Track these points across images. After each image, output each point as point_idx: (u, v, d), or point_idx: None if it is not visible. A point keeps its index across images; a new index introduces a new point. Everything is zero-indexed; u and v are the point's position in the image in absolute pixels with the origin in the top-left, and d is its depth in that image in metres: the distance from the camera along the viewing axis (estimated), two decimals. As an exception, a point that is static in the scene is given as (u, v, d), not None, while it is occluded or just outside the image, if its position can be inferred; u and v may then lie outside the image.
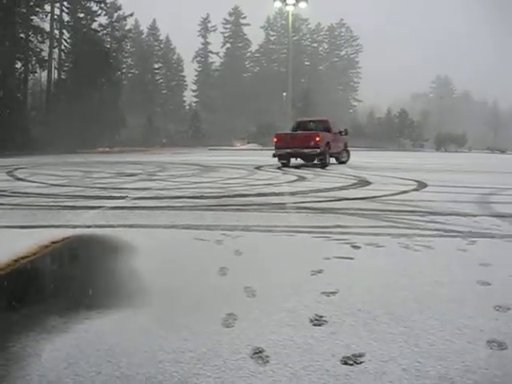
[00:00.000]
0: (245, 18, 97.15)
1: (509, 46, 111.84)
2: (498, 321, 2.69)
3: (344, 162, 21.48)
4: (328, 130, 20.02)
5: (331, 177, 13.15)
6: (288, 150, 18.73)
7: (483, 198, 8.29)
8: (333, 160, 20.28)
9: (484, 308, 2.88)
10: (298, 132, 20.35)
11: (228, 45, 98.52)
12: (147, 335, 2.46)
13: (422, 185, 10.65)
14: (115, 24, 71.67)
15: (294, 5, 35.35)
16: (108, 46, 64.49)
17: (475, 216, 6.28)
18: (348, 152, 22.47)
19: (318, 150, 18.07)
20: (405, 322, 2.64)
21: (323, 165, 18.32)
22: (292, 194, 8.65)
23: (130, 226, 5.26)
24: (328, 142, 18.88)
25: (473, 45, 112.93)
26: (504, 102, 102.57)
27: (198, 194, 8.20)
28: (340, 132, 21.58)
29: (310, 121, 22.03)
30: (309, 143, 18.18)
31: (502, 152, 70.98)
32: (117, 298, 3.01)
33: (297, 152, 18.72)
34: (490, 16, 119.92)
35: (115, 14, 71.91)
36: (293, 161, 19.41)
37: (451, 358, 2.23)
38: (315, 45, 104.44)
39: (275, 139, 19.60)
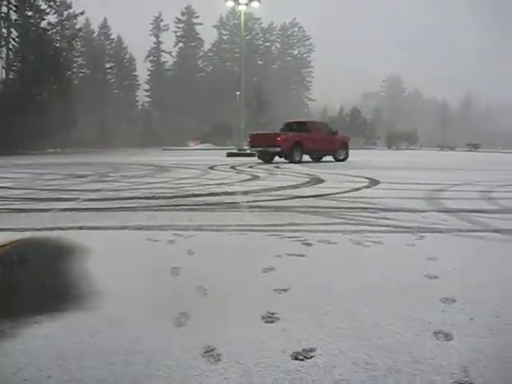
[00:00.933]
0: (197, 17, 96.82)
1: (458, 45, 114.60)
2: (444, 313, 2.76)
3: (341, 160, 23.32)
4: (308, 130, 22.27)
5: (285, 175, 13.24)
6: (259, 148, 21.80)
7: (432, 194, 8.48)
8: (330, 158, 23.44)
9: (431, 301, 2.95)
10: (266, 132, 23.81)
11: (181, 44, 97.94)
12: (98, 338, 2.43)
13: (373, 182, 10.82)
14: (65, 23, 70.29)
15: (246, 4, 35.29)
16: (58, 44, 63.18)
17: (424, 212, 6.42)
18: (346, 151, 24.07)
19: (279, 149, 20.66)
20: (355, 317, 2.69)
21: (291, 162, 20.69)
22: (245, 192, 8.66)
23: (81, 228, 5.17)
24: (298, 141, 21.18)
25: (424, 44, 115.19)
26: (453, 100, 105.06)
27: (151, 195, 8.13)
28: (333, 132, 23.73)
29: (295, 122, 24.57)
30: (272, 142, 20.84)
31: (452, 149, 72.79)
32: (67, 302, 2.96)
33: (265, 150, 21.42)
34: (441, 16, 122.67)
35: (65, 13, 70.53)
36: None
37: (399, 350, 2.28)
38: (268, 44, 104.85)
39: (249, 139, 23.00)
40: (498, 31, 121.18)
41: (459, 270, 3.67)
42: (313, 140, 22.06)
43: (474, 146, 70.95)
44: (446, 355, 2.24)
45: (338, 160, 23.43)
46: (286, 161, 21.60)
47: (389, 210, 6.55)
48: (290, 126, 23.66)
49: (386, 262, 3.90)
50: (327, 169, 16.25)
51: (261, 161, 21.90)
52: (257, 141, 22.21)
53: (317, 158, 23.97)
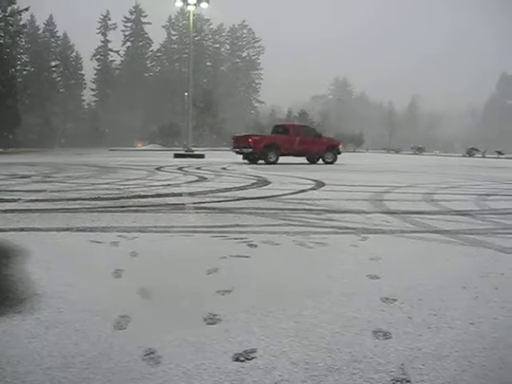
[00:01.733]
0: (146, 16, 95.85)
1: (405, 50, 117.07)
2: (384, 312, 2.81)
3: (330, 163, 24.21)
4: (287, 133, 24.06)
5: (232, 177, 13.24)
6: (237, 149, 23.64)
7: (377, 196, 8.63)
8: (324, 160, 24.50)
9: (372, 300, 3.00)
10: (243, 134, 25.53)
11: (129, 43, 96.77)
12: (36, 342, 2.37)
13: (319, 184, 10.94)
14: (9, 18, 68.37)
15: (195, 5, 35.11)
16: (1, 41, 61.44)
17: (368, 213, 6.53)
18: (335, 154, 24.89)
19: (250, 150, 22.43)
20: (296, 317, 2.70)
21: (267, 163, 22.24)
22: (191, 194, 8.62)
23: (22, 230, 5.04)
24: (273, 143, 22.99)
25: (372, 47, 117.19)
26: (398, 104, 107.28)
27: (95, 196, 7.99)
28: (317, 136, 24.95)
29: (280, 125, 26.89)
30: (246, 144, 22.76)
31: (397, 152, 74.29)
32: (4, 305, 2.87)
33: (241, 151, 23.36)
34: (391, 19, 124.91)
35: (9, 8, 68.55)
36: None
37: (339, 350, 2.31)
38: (217, 45, 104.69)
39: (232, 140, 25.21)
40: (444, 37, 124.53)
41: (400, 270, 3.74)
42: (291, 142, 23.33)
43: (419, 150, 72.56)
44: (384, 354, 2.28)
45: (326, 163, 24.29)
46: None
47: (334, 211, 6.64)
48: (275, 129, 25.81)
49: (328, 262, 3.95)
50: (274, 171, 16.33)
51: (246, 161, 23.54)
52: (236, 142, 24.09)
53: (311, 160, 24.89)
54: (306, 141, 23.93)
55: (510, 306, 2.97)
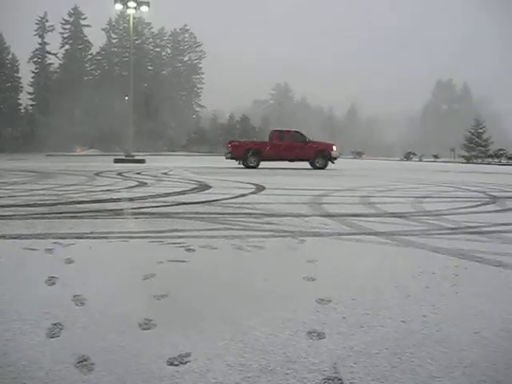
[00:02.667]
0: (85, 18, 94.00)
1: (345, 57, 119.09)
2: (318, 313, 2.86)
3: (320, 168, 24.79)
4: (271, 138, 25.92)
5: (172, 182, 13.17)
6: (228, 154, 25.21)
7: (315, 200, 8.76)
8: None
9: (307, 302, 3.05)
10: (229, 141, 27.45)
11: (67, 46, 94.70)
12: (-37, 352, 2.30)
13: (260, 188, 11.02)
14: None
15: (135, 8, 34.79)
16: None
17: (306, 216, 6.62)
18: (325, 158, 25.37)
19: (229, 155, 24.81)
20: (232, 320, 2.72)
21: (247, 167, 24.27)
22: (130, 199, 8.52)
23: (-49, 238, 4.87)
24: (254, 149, 24.88)
25: (311, 53, 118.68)
26: (339, 109, 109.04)
27: (31, 202, 7.79)
28: (304, 141, 25.59)
29: (272, 131, 27.86)
30: (228, 149, 25.32)
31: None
32: None
33: (227, 155, 25.34)
34: (332, 24, 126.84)
35: None
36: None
37: (274, 351, 2.34)
38: (158, 49, 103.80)
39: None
40: (383, 44, 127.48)
41: (336, 272, 3.81)
42: (275, 147, 24.93)
43: (358, 154, 73.90)
44: (317, 353, 2.32)
45: (315, 168, 24.97)
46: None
47: (273, 215, 6.70)
48: (270, 134, 27.18)
49: (265, 265, 3.99)
50: (215, 175, 16.32)
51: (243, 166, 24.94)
52: (227, 147, 26.01)
53: (313, 165, 25.36)
54: (292, 146, 24.92)
55: (440, 303, 3.07)
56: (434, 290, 3.38)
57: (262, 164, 25.15)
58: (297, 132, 26.71)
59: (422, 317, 2.83)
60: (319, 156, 25.33)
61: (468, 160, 56.94)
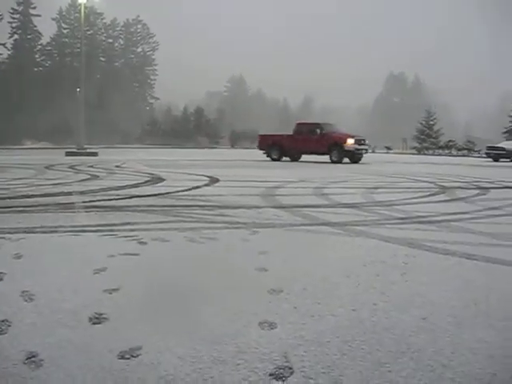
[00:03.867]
0: (34, 8, 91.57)
1: (303, 50, 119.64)
2: (270, 303, 2.88)
3: (336, 162, 22.86)
4: (294, 132, 25.35)
5: (125, 174, 13.01)
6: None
7: (269, 191, 8.80)
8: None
9: (259, 293, 3.06)
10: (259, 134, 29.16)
11: (16, 36, 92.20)
12: None
13: (213, 180, 10.99)
14: None
15: (86, -2, 34.17)
16: None
17: (260, 208, 6.65)
18: (339, 151, 23.00)
19: (258, 147, 26.68)
20: (185, 312, 2.72)
21: (272, 159, 24.76)
22: (82, 193, 8.37)
23: None
24: (275, 142, 25.33)
25: (272, 46, 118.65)
26: (292, 100, 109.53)
27: (-22, 196, 7.58)
28: (324, 133, 23.95)
29: (296, 123, 27.05)
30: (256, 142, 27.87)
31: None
32: None
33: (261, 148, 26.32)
34: (292, 18, 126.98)
35: None
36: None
37: (225, 342, 2.34)
38: (111, 40, 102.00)
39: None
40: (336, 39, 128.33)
41: (288, 262, 3.85)
42: (293, 141, 24.69)
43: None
44: (269, 343, 2.34)
45: (332, 161, 22.97)
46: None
47: (226, 207, 6.70)
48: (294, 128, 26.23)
49: (218, 257, 4.00)
50: (168, 168, 16.19)
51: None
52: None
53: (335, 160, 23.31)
54: (308, 139, 23.84)
55: (389, 292, 3.13)
56: (384, 278, 3.45)
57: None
58: (316, 123, 25.17)
59: (372, 305, 2.88)
60: (333, 149, 23.10)
61: (419, 151, 58.04)
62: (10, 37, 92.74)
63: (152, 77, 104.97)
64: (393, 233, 5.05)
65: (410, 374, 2.07)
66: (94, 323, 2.57)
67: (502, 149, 33.07)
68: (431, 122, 66.38)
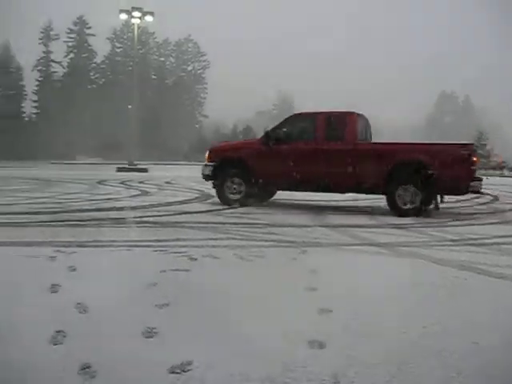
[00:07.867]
0: (90, 28, 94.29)
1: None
2: (319, 323, 2.88)
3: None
4: None
5: (175, 191, 13.17)
6: None
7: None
8: None
9: (308, 312, 3.07)
10: None
11: (72, 55, 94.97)
12: None
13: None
14: None
15: (140, 18, 34.97)
16: None
17: (308, 227, 6.64)
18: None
19: None
20: (235, 329, 2.75)
21: None
22: (133, 208, 8.54)
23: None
24: None
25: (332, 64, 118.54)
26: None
27: (34, 210, 7.81)
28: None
29: None
30: None
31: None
32: None
33: None
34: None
35: None
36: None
37: (275, 360, 2.35)
38: (162, 59, 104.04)
39: None
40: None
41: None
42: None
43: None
44: (318, 363, 2.34)
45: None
46: None
47: (276, 225, 6.73)
48: None
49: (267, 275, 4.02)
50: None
51: None
52: None
53: None
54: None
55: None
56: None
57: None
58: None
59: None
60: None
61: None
62: (66, 55, 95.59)
63: (202, 95, 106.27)
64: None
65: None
66: (147, 337, 2.62)
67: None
68: (482, 142, 65.04)
